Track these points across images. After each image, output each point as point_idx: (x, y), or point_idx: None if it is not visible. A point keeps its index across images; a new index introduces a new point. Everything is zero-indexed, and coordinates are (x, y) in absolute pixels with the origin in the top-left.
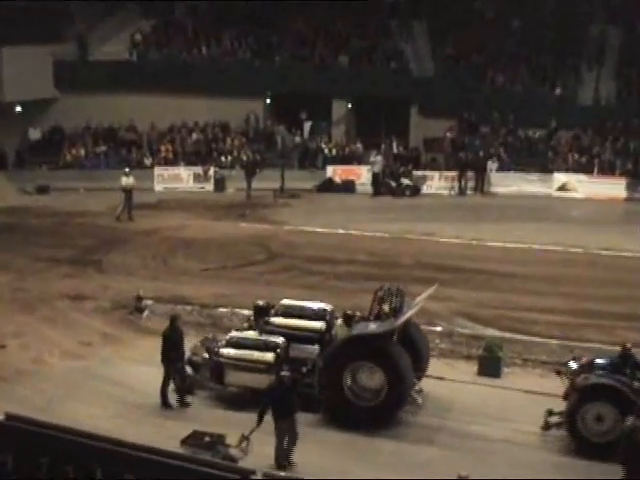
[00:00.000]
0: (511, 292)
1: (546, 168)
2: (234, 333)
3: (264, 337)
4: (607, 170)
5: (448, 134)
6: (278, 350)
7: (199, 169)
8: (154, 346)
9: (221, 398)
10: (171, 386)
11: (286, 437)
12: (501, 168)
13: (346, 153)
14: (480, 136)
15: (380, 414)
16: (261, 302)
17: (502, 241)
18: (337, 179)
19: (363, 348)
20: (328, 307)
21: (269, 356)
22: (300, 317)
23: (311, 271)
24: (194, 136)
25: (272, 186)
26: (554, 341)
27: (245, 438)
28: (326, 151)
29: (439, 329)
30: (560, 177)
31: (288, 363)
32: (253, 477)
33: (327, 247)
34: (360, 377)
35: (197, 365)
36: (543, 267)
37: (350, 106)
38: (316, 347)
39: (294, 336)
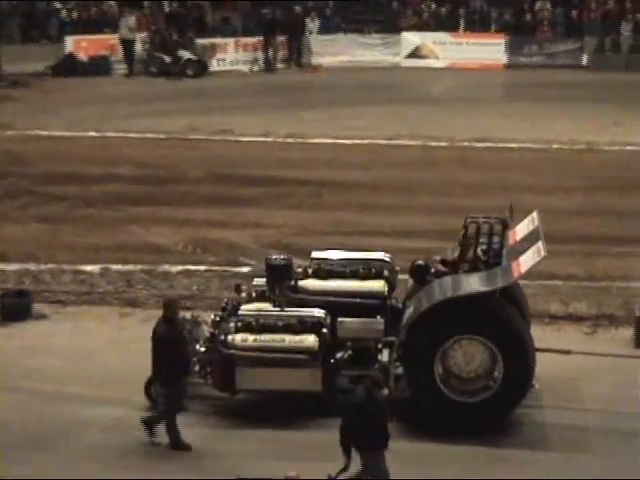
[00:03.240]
0: (349, 209)
1: (391, 26)
2: (245, 309)
3: (295, 311)
4: (478, 25)
5: None
6: (323, 329)
7: None
8: None
9: (221, 412)
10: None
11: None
12: (325, 29)
13: (93, 15)
14: None
15: (494, 411)
16: (278, 258)
17: (332, 137)
18: (82, 55)
19: (465, 316)
20: (386, 256)
21: (310, 340)
22: (343, 276)
23: (49, 196)
24: None
25: None
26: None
27: None
28: (63, 13)
29: (246, 270)
30: (411, 38)
31: (339, 349)
32: None
33: (73, 158)
34: (459, 360)
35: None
36: (394, 171)
37: None
38: (379, 320)
39: (341, 306)
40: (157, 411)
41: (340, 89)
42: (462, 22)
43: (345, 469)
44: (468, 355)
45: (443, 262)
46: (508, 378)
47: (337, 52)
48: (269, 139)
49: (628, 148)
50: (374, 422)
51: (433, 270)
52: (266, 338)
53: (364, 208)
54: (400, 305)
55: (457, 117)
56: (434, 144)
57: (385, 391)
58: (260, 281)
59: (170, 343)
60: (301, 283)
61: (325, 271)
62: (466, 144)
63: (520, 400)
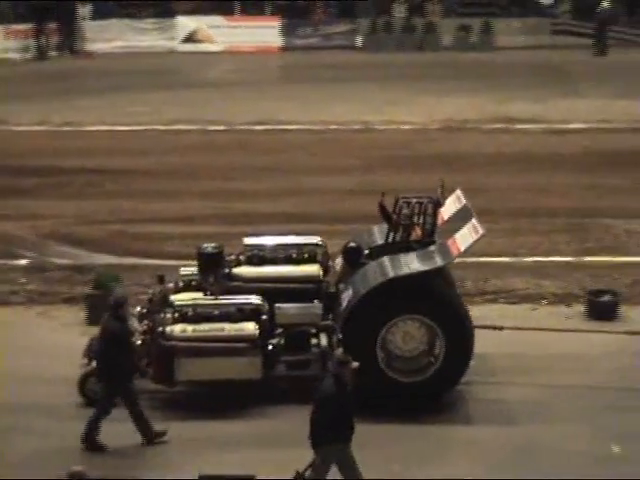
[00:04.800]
0: (130, 197)
1: (165, 10)
2: (178, 299)
3: (232, 299)
4: (253, 8)
5: None
6: (262, 316)
7: None
8: None
9: (161, 406)
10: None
11: (345, 471)
12: (98, 14)
13: None
14: None
15: (436, 388)
16: (209, 246)
17: (110, 123)
18: None
19: (409, 296)
20: (317, 240)
21: (249, 327)
22: (277, 261)
23: None
24: None
25: None
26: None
27: (301, 477)
28: None
29: (23, 262)
30: (186, 22)
31: (279, 335)
32: None
33: None
34: (399, 340)
35: None
36: (174, 156)
37: None
38: (317, 304)
39: (277, 292)
40: (92, 421)
41: (116, 75)
42: (237, 5)
43: (314, 464)
44: (408, 335)
45: (350, 252)
46: (450, 355)
47: (111, 38)
48: (45, 128)
49: (403, 127)
50: (343, 413)
51: (367, 251)
52: (205, 328)
53: (144, 195)
54: (333, 288)
55: (235, 101)
56: (213, 128)
57: (355, 363)
58: (187, 270)
59: (120, 341)
60: (235, 270)
61: (258, 257)
62: (245, 127)
63: (461, 376)
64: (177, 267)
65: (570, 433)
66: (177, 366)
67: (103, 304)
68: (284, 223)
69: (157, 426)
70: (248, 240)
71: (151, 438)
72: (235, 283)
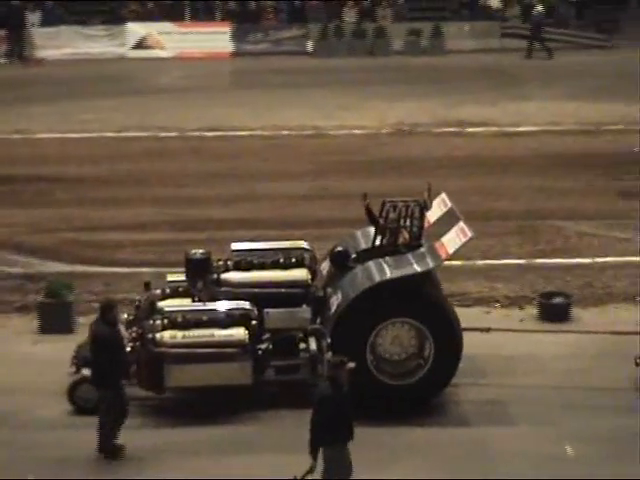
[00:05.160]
0: (80, 205)
1: (115, 17)
2: (166, 305)
3: (221, 305)
4: (203, 14)
5: None
6: (251, 321)
7: None
8: None
9: (153, 414)
10: None
11: (337, 471)
12: (47, 21)
13: None
14: None
15: (426, 391)
16: (197, 252)
17: (60, 131)
18: None
19: (399, 299)
20: (305, 244)
21: (240, 333)
22: (265, 266)
23: None
24: None
25: None
26: (148, 269)
27: None
28: None
29: None
30: (136, 29)
31: (269, 340)
32: None
33: None
34: (388, 344)
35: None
36: (125, 163)
37: None
38: (306, 309)
39: (266, 297)
40: (101, 429)
41: (66, 83)
42: (187, 11)
43: (311, 470)
44: (397, 338)
45: (338, 256)
46: (439, 358)
47: (61, 45)
48: None
49: (354, 132)
50: (341, 414)
51: (354, 255)
52: (195, 334)
53: (96, 202)
54: (321, 293)
55: (187, 107)
56: (164, 135)
57: (351, 364)
58: (173, 277)
59: (111, 345)
60: (224, 276)
61: (246, 262)
62: (197, 134)
63: (451, 378)
64: (129, 274)
65: (525, 434)
66: (167, 372)
67: (55, 312)
68: (237, 229)
69: (149, 433)
70: (235, 245)
71: (108, 452)
72: (224, 289)
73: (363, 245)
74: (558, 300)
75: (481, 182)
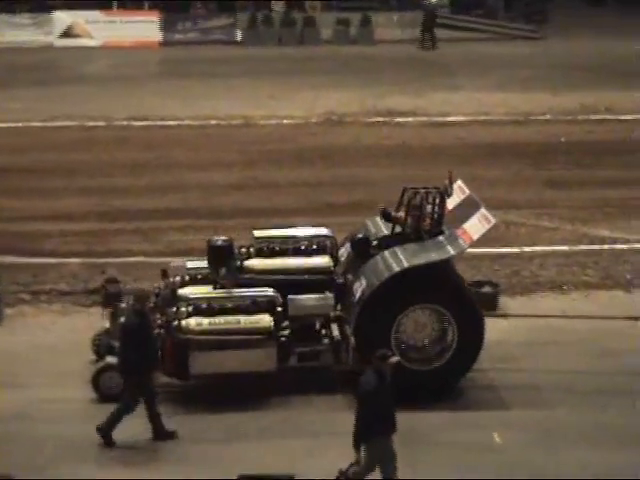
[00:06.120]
0: (8, 195)
1: (41, 5)
2: (190, 292)
3: (246, 291)
4: (131, 3)
5: None
6: (276, 308)
7: None
8: None
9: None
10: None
11: (385, 464)
12: None
13: None
14: None
15: (450, 376)
16: (220, 239)
17: None
18: None
19: (424, 285)
20: (326, 231)
21: (265, 320)
22: (287, 253)
23: None
24: None
25: None
26: (76, 260)
27: (343, 475)
28: None
29: None
30: (63, 17)
31: (292, 327)
32: None
33: None
34: (411, 330)
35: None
36: (51, 153)
37: None
38: (329, 295)
39: (290, 283)
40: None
41: None
42: (115, 0)
43: (356, 463)
44: (420, 324)
45: (359, 242)
46: (463, 343)
47: None
48: None
49: (284, 122)
50: (386, 406)
51: (375, 242)
52: (221, 321)
53: (22, 193)
54: (342, 279)
55: (114, 96)
56: (92, 124)
57: (396, 357)
58: (193, 264)
59: (141, 336)
60: (247, 263)
61: (269, 249)
62: (125, 123)
63: (474, 363)
64: (57, 265)
65: (451, 422)
66: (192, 359)
67: None
68: (166, 219)
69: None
70: (258, 233)
71: (162, 436)
72: (247, 275)
73: (384, 231)
74: (486, 289)
75: (410, 171)
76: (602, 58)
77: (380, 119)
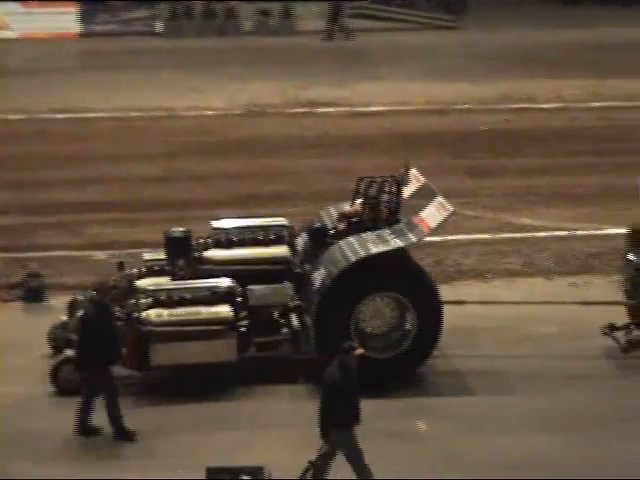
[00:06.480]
0: None
1: None
2: (148, 284)
3: (205, 282)
4: None
5: None
6: (235, 298)
7: None
8: None
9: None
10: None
11: (355, 461)
12: None
13: None
14: None
15: (410, 363)
16: (177, 230)
17: None
18: None
19: (383, 273)
20: (284, 221)
21: (225, 310)
22: (245, 243)
23: None
24: None
25: None
26: None
27: (313, 465)
28: None
29: None
30: None
31: (251, 317)
32: None
33: None
34: (370, 318)
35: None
36: None
37: None
38: (288, 285)
39: (247, 274)
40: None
41: None
42: None
43: (323, 452)
44: (378, 312)
45: (317, 232)
46: (422, 330)
47: None
48: None
49: (206, 113)
50: (351, 398)
51: (332, 231)
52: (181, 312)
53: None
54: (299, 269)
55: (34, 89)
56: (12, 117)
57: (360, 350)
58: (149, 256)
59: (100, 328)
60: (206, 254)
61: (226, 240)
62: (45, 116)
63: (432, 350)
64: None
65: (372, 410)
66: (153, 351)
67: None
68: (87, 212)
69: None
70: (215, 223)
71: (122, 436)
72: (205, 266)
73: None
74: None
75: (332, 162)
76: (522, 48)
77: (302, 110)
